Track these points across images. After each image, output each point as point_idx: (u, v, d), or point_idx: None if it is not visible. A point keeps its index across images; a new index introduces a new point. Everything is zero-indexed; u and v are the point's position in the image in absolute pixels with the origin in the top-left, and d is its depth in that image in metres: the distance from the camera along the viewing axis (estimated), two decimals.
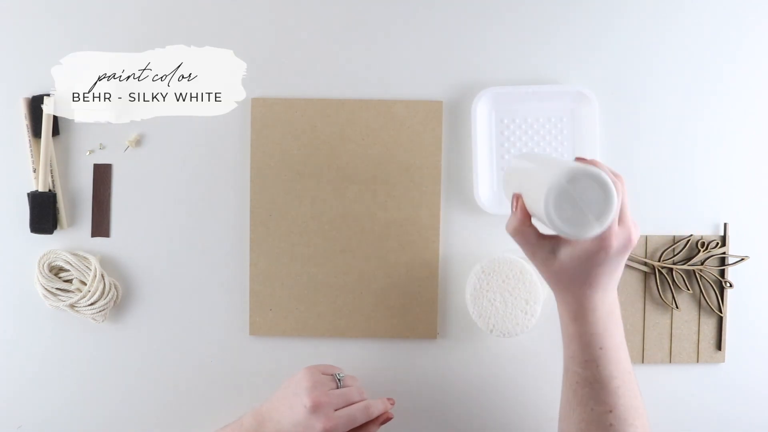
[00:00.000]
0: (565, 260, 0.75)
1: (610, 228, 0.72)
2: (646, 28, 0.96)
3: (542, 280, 0.90)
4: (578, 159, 0.77)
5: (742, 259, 0.96)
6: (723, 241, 0.96)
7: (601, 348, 0.77)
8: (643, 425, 0.77)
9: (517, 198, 0.78)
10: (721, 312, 0.96)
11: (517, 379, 0.96)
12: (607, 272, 0.75)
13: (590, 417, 0.77)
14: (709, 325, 0.97)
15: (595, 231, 0.70)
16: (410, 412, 0.96)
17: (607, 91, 0.96)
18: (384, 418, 0.88)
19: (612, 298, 0.78)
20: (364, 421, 0.86)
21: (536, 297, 0.91)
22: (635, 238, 0.74)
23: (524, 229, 0.77)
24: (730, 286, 0.96)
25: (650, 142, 0.96)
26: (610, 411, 0.76)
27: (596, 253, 0.73)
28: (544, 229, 0.76)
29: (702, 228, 0.97)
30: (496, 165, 0.96)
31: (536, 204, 0.72)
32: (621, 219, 0.74)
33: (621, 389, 0.77)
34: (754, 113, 0.96)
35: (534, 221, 0.77)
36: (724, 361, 0.97)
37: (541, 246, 0.76)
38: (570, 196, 0.69)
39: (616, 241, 0.73)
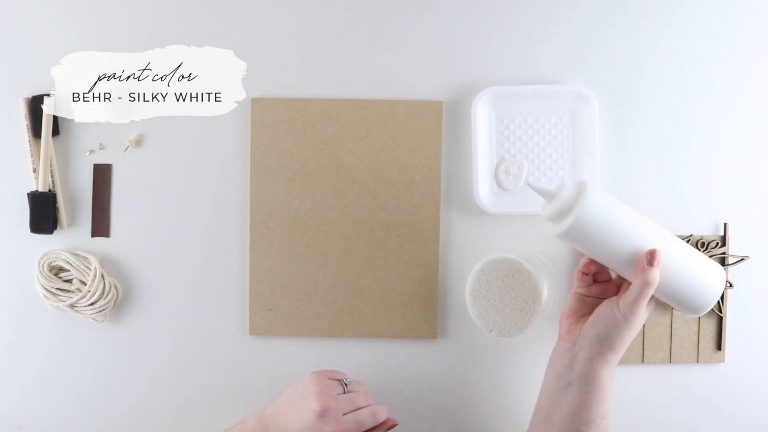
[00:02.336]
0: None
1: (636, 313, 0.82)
2: (646, 27, 0.96)
3: (542, 280, 0.91)
4: (649, 252, 0.81)
5: (742, 259, 0.96)
6: (723, 241, 0.96)
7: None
8: None
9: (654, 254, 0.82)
10: (721, 312, 0.96)
11: (517, 379, 0.96)
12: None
13: None
14: (709, 325, 0.97)
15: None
16: (410, 412, 0.96)
17: (607, 91, 0.96)
18: (389, 425, 0.88)
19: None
20: (371, 426, 0.86)
21: (536, 297, 0.91)
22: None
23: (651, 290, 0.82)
24: (730, 286, 0.96)
25: (650, 142, 0.96)
26: None
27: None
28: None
29: (702, 228, 0.97)
30: (496, 165, 0.96)
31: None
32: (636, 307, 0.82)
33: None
34: (754, 113, 0.96)
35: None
36: (724, 361, 0.97)
37: (647, 309, 0.83)
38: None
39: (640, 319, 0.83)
